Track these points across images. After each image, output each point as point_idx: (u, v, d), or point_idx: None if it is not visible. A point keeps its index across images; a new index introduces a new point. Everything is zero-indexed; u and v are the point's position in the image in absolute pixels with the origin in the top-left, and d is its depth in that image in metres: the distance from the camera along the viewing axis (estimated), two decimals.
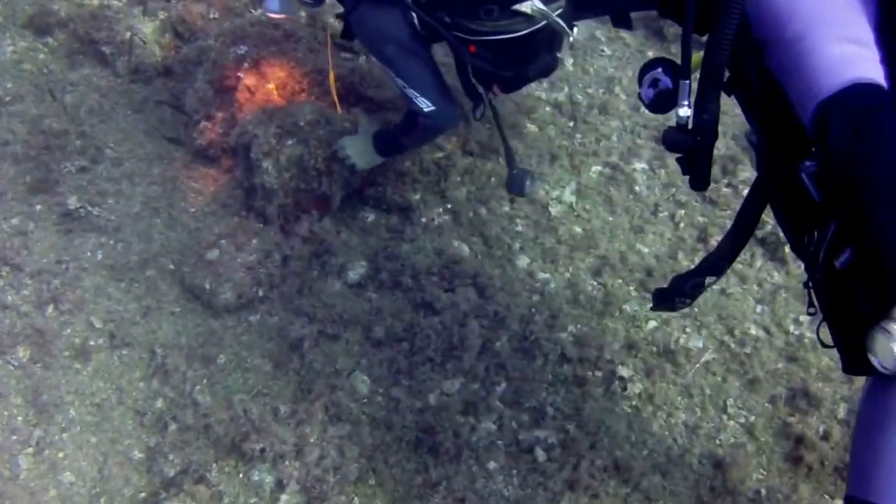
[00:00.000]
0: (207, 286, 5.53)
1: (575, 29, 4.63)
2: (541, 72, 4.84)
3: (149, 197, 6.11)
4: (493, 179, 6.04)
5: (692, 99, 3.07)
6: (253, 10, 6.91)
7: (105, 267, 5.75)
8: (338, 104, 5.67)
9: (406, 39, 4.84)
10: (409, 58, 4.89)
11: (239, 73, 6.06)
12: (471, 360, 5.13)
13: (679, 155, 3.19)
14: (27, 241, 5.80)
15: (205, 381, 5.24)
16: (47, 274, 5.66)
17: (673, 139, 3.11)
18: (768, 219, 5.66)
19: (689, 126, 3.04)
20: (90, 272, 5.72)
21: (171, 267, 5.76)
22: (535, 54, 4.67)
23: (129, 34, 6.91)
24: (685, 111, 3.02)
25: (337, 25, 5.39)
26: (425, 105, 4.87)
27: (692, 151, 3.08)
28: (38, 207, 6.00)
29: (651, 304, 3.97)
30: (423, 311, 5.40)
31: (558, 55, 4.85)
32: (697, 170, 3.15)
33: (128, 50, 6.89)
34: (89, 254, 5.82)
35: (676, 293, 3.67)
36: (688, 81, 3.03)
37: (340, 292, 5.55)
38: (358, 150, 5.54)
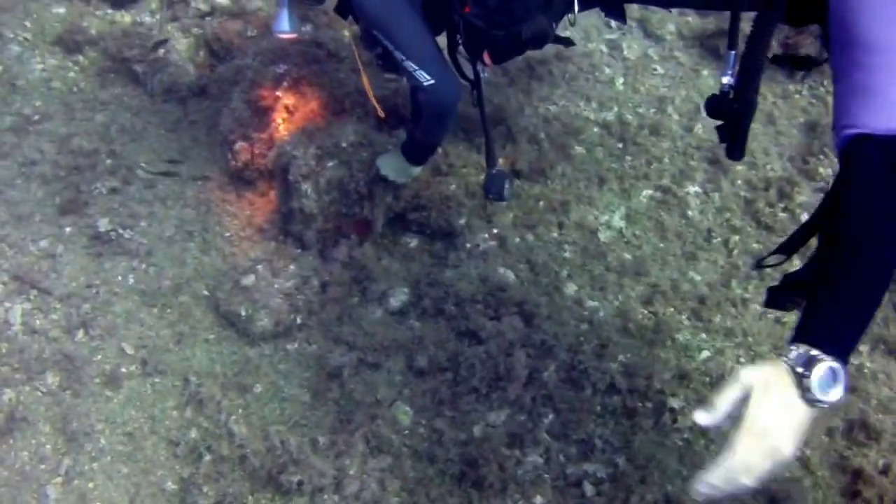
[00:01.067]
0: (243, 313, 5.65)
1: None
2: (535, 35, 4.74)
3: (182, 220, 6.26)
4: (541, 203, 6.15)
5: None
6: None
7: (137, 292, 5.88)
8: (378, 108, 5.67)
9: (407, 10, 4.91)
10: (408, 28, 4.93)
11: (277, 93, 6.19)
12: (517, 390, 5.22)
13: (719, 123, 3.49)
14: (56, 264, 5.95)
15: (240, 410, 5.34)
16: (77, 298, 5.79)
17: (714, 105, 3.41)
18: None
19: (731, 95, 3.33)
20: (121, 297, 5.85)
21: (206, 293, 5.89)
22: (530, 13, 4.72)
23: (162, 51, 7.08)
24: (727, 79, 3.30)
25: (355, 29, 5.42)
26: (424, 79, 4.90)
27: (731, 119, 3.36)
28: (68, 230, 6.15)
29: (763, 301, 4.06)
30: (467, 339, 5.51)
31: (554, 25, 4.86)
32: (735, 138, 3.43)
33: (160, 67, 7.08)
34: (120, 278, 5.95)
35: (786, 291, 3.76)
36: (733, 52, 3.30)
37: (381, 320, 5.67)
38: (392, 166, 5.67)
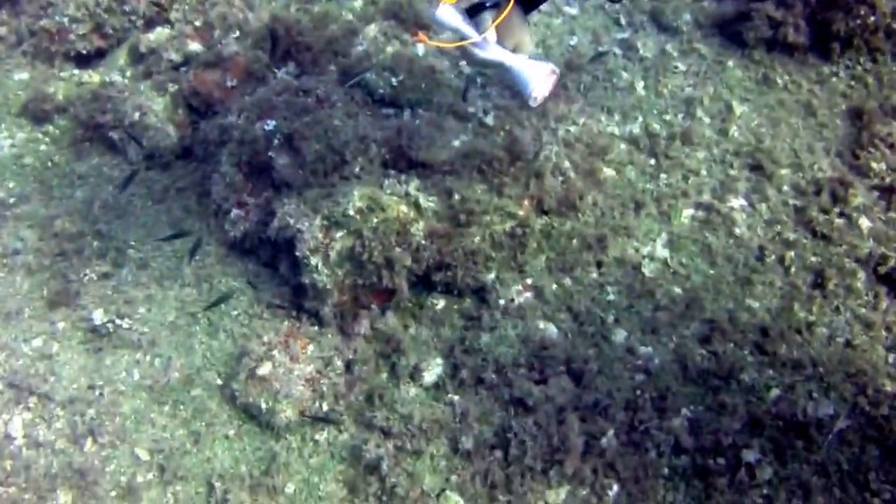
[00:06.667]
0: (263, 405, 5.41)
1: None
2: None
3: (183, 301, 6.04)
4: (574, 241, 5.89)
5: None
6: (276, 71, 6.77)
7: (144, 388, 5.68)
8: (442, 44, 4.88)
9: None
10: None
11: (270, 153, 5.92)
12: (575, 462, 5.00)
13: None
14: (53, 366, 5.75)
15: None
16: (80, 402, 5.59)
17: None
18: (892, 253, 5.53)
19: None
20: (128, 396, 5.64)
21: (219, 382, 5.68)
22: None
23: (137, 114, 6.82)
24: None
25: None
26: None
27: None
28: (61, 325, 5.94)
29: None
30: (514, 409, 5.28)
31: None
32: None
33: (139, 132, 6.83)
34: (124, 374, 5.74)
35: None
36: None
37: (416, 398, 5.45)
38: None
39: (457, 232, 5.62)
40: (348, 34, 6.93)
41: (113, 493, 5.25)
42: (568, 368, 5.38)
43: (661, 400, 5.22)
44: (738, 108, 6.47)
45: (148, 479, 5.32)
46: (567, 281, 5.78)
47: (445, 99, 6.31)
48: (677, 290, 5.71)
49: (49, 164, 6.96)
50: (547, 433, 5.07)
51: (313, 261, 5.50)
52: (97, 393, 5.63)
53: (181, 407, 5.61)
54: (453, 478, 5.11)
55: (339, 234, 5.48)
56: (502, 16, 4.20)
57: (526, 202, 5.87)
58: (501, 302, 5.72)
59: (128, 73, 7.33)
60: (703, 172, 6.23)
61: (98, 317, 5.89)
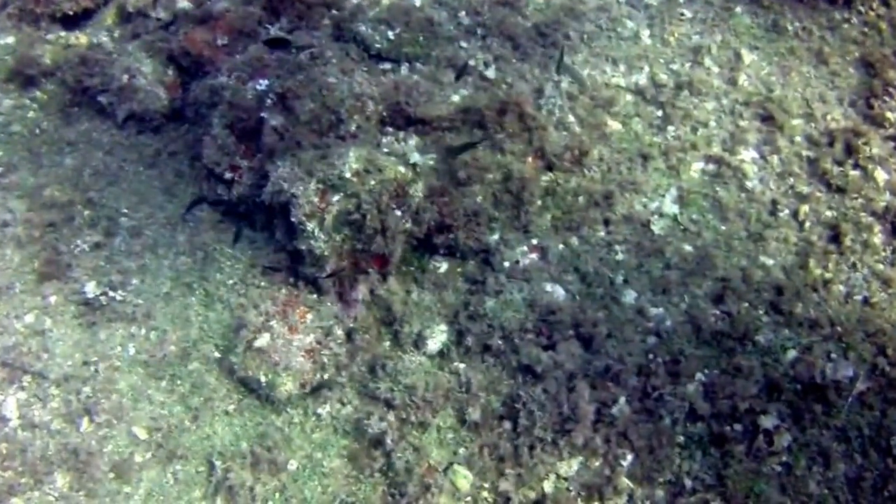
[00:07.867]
0: (263, 378, 5.24)
1: None
2: None
3: (178, 271, 5.84)
4: (580, 199, 5.68)
5: None
6: (269, 26, 6.53)
7: (140, 363, 5.50)
8: None
9: None
10: None
11: (262, 114, 5.69)
12: (586, 432, 4.84)
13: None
14: (46, 342, 5.57)
15: (277, 495, 5.01)
16: (75, 380, 5.42)
17: None
18: None
19: None
20: (124, 372, 5.47)
21: (217, 354, 5.50)
22: None
23: (125, 77, 6.59)
24: None
25: None
26: None
27: None
28: (53, 299, 5.75)
29: None
30: (522, 376, 5.10)
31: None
32: None
33: (128, 96, 6.60)
34: (119, 349, 5.56)
35: None
36: None
37: (421, 367, 5.26)
38: None
39: (457, 191, 5.41)
40: None
41: (111, 475, 5.12)
42: (577, 333, 5.19)
43: (674, 364, 5.04)
44: (748, 57, 6.23)
45: (146, 459, 5.18)
46: (574, 240, 5.58)
47: (444, 52, 6.07)
48: (688, 247, 5.52)
49: (37, 131, 6.74)
50: (556, 401, 4.90)
51: (309, 226, 5.29)
52: (92, 369, 5.47)
53: (178, 382, 5.45)
54: (461, 451, 4.96)
55: (335, 198, 5.25)
56: None
57: (529, 158, 5.66)
58: (506, 264, 5.52)
59: (115, 34, 7.10)
60: (713, 124, 6.00)
61: (91, 289, 5.73)
